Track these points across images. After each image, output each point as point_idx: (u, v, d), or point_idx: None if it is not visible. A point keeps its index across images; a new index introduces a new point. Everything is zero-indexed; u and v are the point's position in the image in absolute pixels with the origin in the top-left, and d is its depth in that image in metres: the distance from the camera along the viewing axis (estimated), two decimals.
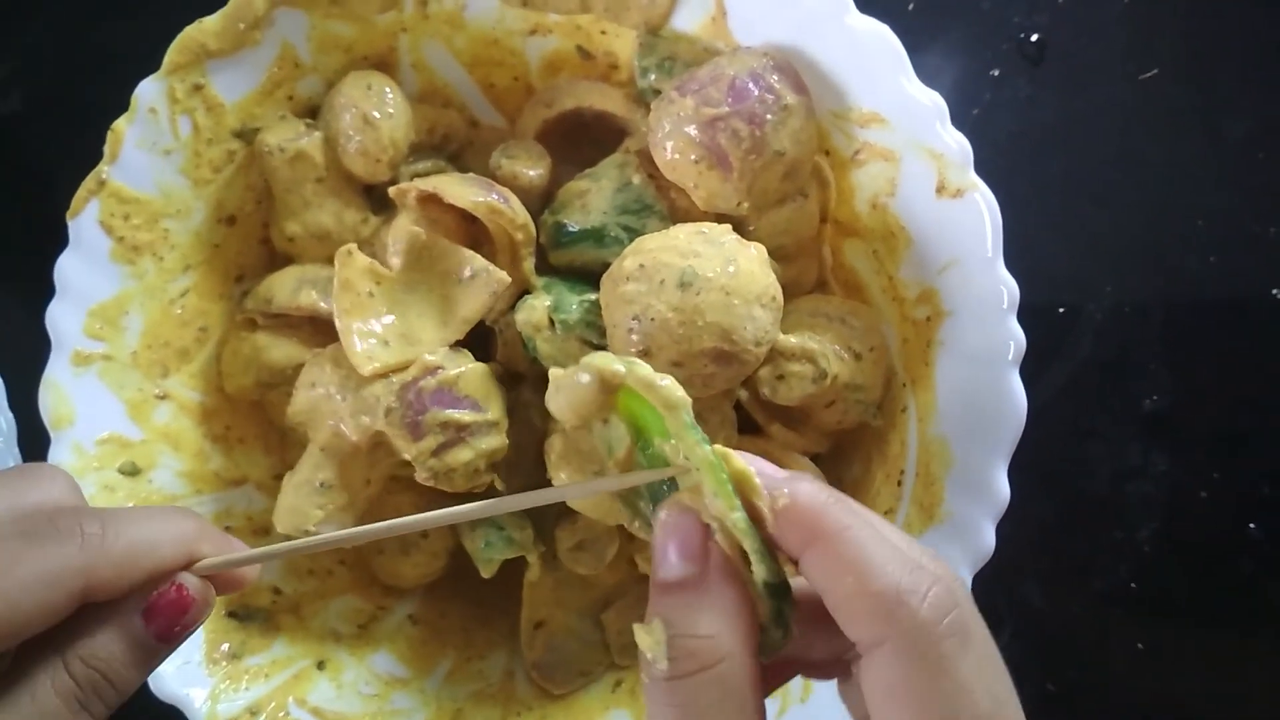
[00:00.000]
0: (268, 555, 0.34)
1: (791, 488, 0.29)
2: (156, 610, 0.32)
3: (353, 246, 0.46)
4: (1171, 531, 0.57)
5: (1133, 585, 0.57)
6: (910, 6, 0.60)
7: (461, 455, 0.46)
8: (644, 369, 0.32)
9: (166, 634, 0.32)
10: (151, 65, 0.49)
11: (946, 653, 0.27)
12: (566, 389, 0.33)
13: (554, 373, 0.34)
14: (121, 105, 0.49)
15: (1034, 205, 0.55)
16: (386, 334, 0.46)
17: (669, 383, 0.31)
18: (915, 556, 0.28)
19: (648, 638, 0.30)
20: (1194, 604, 0.57)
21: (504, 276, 0.47)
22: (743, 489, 0.30)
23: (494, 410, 0.47)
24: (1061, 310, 0.57)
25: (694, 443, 0.30)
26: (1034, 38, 0.59)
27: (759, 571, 0.30)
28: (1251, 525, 0.57)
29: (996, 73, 0.59)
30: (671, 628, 0.29)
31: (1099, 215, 0.59)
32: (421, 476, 0.46)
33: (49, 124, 0.63)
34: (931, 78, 0.45)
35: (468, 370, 0.46)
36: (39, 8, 0.63)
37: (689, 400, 0.31)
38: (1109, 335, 0.57)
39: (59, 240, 0.48)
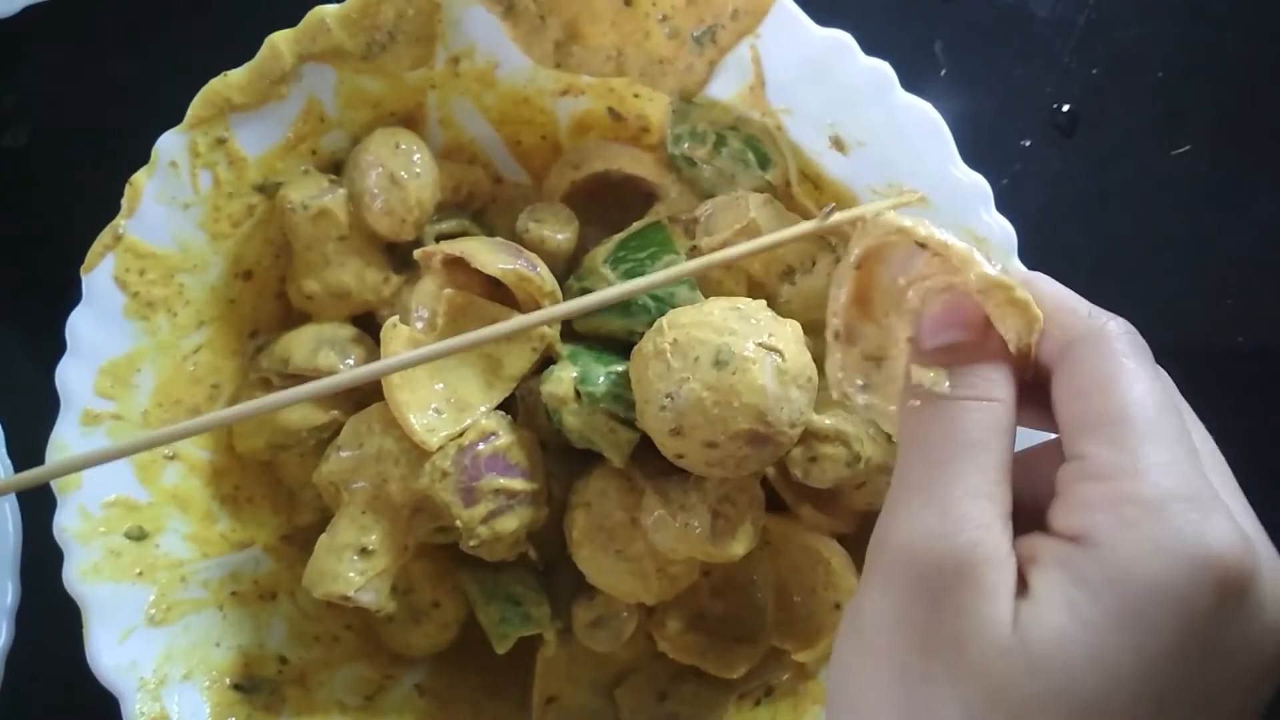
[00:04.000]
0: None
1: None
2: None
3: (396, 319, 0.45)
4: None
5: None
6: (942, 72, 0.59)
7: (509, 523, 0.45)
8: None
9: None
10: (160, 99, 0.47)
11: (1122, 350, 0.30)
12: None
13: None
14: (131, 140, 0.47)
15: (1060, 281, 0.55)
16: (439, 403, 0.45)
17: None
18: None
19: (927, 372, 0.32)
20: None
21: (546, 330, 0.46)
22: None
23: (539, 480, 0.46)
24: None
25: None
26: (1066, 108, 0.59)
27: None
28: None
29: (1028, 142, 0.58)
30: (953, 369, 0.32)
31: (1127, 292, 0.57)
32: (469, 544, 0.45)
33: (57, 158, 0.61)
34: (961, 145, 0.44)
35: (519, 437, 0.46)
36: (44, 39, 0.61)
37: None
38: None
39: (66, 280, 0.46)
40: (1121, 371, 0.29)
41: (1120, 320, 0.31)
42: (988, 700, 0.27)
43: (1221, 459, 0.31)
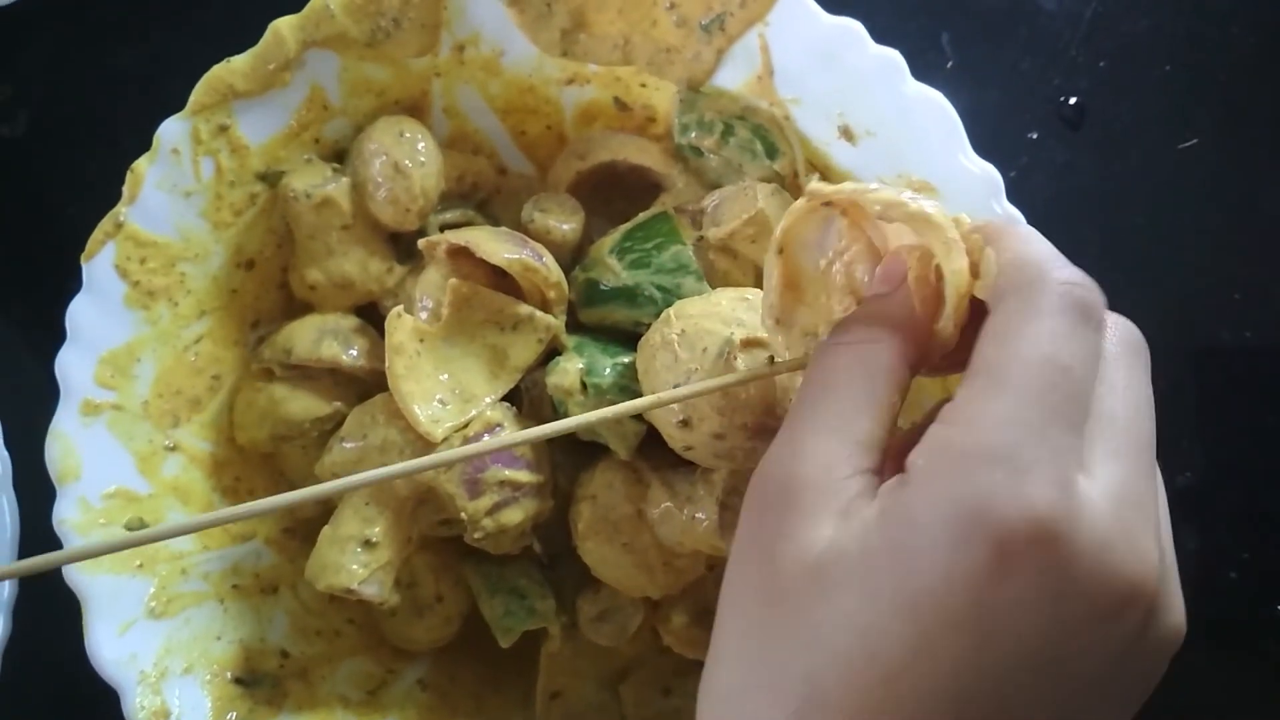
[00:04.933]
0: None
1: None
2: None
3: (400, 309, 0.45)
4: (1199, 611, 0.55)
5: None
6: (949, 65, 0.58)
7: (514, 516, 0.45)
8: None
9: None
10: (160, 87, 0.47)
11: (1045, 305, 0.28)
12: None
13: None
14: (131, 129, 0.47)
15: None
16: (444, 395, 0.45)
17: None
18: None
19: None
20: (1223, 686, 0.56)
21: (551, 321, 0.46)
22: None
23: (544, 471, 0.46)
24: None
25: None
26: (1073, 101, 0.58)
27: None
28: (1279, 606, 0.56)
29: (1034, 135, 0.58)
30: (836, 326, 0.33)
31: (1133, 287, 0.57)
32: (474, 537, 0.45)
33: (57, 147, 0.61)
34: (967, 138, 0.44)
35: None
36: (43, 27, 0.61)
37: None
38: None
39: (66, 270, 0.46)
40: (1025, 323, 0.28)
41: (1076, 279, 0.29)
42: (785, 610, 0.29)
43: (1140, 451, 0.30)
